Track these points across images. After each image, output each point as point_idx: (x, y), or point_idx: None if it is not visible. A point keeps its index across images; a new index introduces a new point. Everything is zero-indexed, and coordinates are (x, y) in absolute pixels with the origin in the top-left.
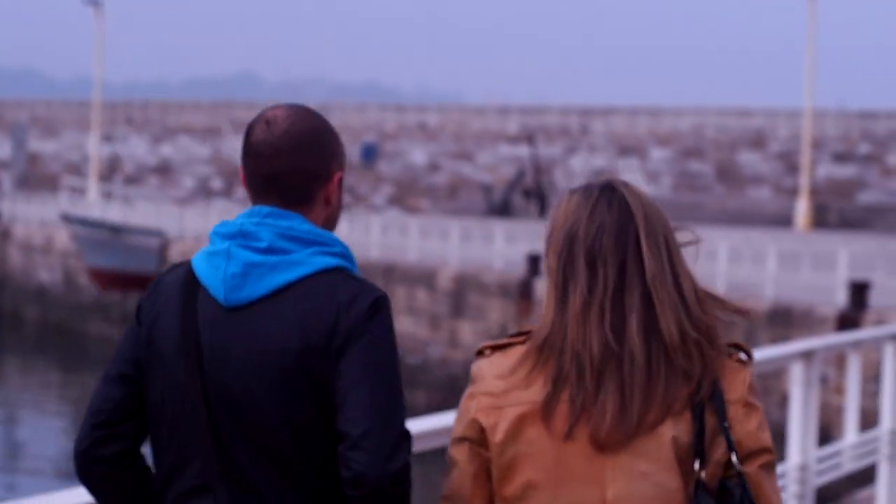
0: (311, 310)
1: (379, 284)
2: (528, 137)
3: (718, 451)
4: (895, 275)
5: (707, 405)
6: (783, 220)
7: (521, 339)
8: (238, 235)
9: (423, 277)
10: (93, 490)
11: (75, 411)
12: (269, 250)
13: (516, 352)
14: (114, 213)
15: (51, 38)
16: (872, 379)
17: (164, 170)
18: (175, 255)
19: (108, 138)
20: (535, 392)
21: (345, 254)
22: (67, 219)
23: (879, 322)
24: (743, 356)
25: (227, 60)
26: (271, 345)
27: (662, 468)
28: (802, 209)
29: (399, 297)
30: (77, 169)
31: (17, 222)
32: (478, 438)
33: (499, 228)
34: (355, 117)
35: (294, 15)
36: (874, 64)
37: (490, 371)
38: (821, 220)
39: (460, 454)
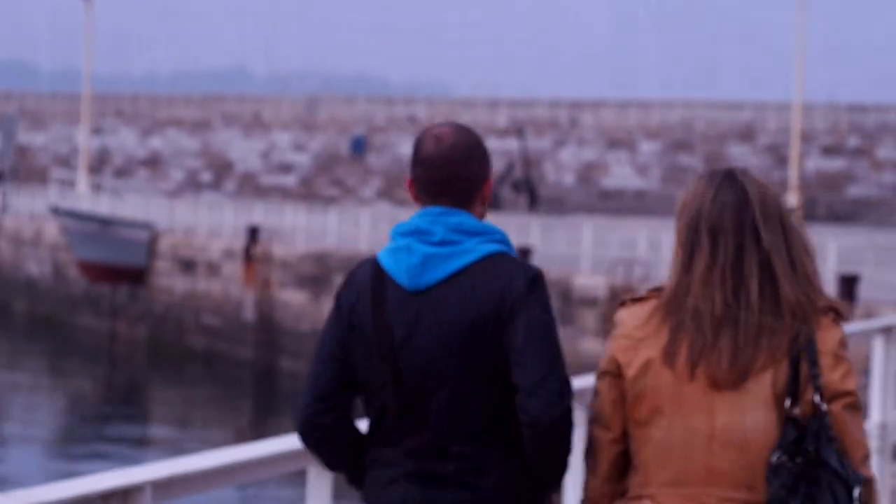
0: (481, 287)
1: None
2: (518, 130)
3: (809, 394)
4: (884, 268)
5: (803, 354)
6: None
7: (655, 294)
8: (415, 232)
9: None
10: (315, 451)
11: (66, 401)
12: (442, 243)
13: (650, 304)
14: (103, 206)
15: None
16: (862, 372)
17: (154, 162)
18: (164, 247)
19: (97, 131)
20: (661, 339)
21: (504, 240)
22: (57, 211)
23: (868, 315)
24: (838, 315)
25: (217, 54)
26: (451, 318)
27: (762, 405)
28: (792, 202)
29: None
30: (66, 161)
31: (6, 215)
32: (616, 372)
33: (488, 221)
34: (344, 110)
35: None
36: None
37: (629, 318)
38: (810, 213)
39: (603, 384)
